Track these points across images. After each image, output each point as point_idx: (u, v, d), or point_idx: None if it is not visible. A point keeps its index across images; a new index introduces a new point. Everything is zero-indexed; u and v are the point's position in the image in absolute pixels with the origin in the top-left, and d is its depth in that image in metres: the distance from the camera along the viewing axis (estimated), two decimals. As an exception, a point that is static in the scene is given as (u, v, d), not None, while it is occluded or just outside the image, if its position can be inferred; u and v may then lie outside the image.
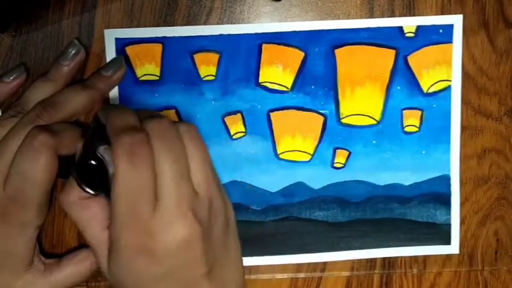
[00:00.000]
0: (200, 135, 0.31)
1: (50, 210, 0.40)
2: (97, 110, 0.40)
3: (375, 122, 0.41)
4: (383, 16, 0.40)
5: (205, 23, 0.40)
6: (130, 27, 0.39)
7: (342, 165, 0.41)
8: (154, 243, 0.29)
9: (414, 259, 0.42)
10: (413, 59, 0.41)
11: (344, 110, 0.41)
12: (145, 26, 0.39)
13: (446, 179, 0.42)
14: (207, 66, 0.40)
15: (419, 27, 0.40)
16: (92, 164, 0.30)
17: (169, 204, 0.29)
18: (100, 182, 0.30)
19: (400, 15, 0.40)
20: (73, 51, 0.38)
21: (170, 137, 0.30)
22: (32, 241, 0.35)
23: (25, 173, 0.33)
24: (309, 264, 0.42)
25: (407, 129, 0.41)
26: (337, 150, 0.41)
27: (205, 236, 0.30)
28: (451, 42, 0.41)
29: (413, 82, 0.41)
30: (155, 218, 0.29)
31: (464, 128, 0.41)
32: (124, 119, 0.30)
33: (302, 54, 0.40)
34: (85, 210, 0.32)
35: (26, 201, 0.34)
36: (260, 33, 0.40)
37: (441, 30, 0.40)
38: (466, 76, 0.41)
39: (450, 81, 0.41)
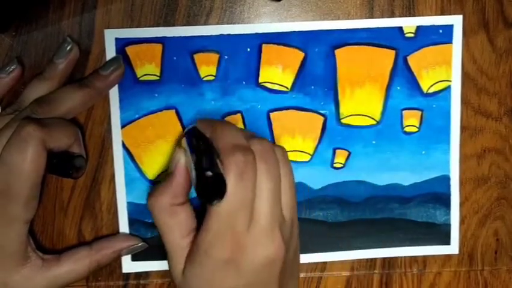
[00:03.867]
0: (289, 158, 0.34)
1: (49, 210, 0.40)
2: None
3: (374, 122, 0.41)
4: (382, 16, 0.40)
5: (205, 23, 0.40)
6: (130, 27, 0.39)
7: (342, 165, 0.41)
8: (243, 257, 0.30)
9: (414, 259, 0.42)
10: (413, 59, 0.41)
11: (343, 110, 0.41)
12: (145, 26, 0.39)
13: (445, 179, 0.42)
14: (207, 66, 0.40)
15: (418, 28, 0.40)
16: (209, 176, 0.30)
17: (263, 223, 0.31)
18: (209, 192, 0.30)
19: (400, 16, 0.40)
20: (66, 49, 0.38)
21: (272, 161, 0.32)
22: (22, 236, 0.35)
23: (11, 164, 0.33)
24: (308, 264, 0.42)
25: (406, 129, 0.41)
26: (337, 151, 0.41)
27: (285, 257, 0.31)
28: (451, 43, 0.41)
29: (413, 82, 0.41)
30: (249, 235, 0.30)
31: (463, 128, 0.41)
32: (234, 137, 0.32)
33: (302, 54, 0.40)
34: (173, 216, 0.33)
35: (13, 194, 0.33)
36: (260, 33, 0.40)
37: (441, 31, 0.40)
38: (465, 76, 0.41)
39: (450, 81, 0.41)
